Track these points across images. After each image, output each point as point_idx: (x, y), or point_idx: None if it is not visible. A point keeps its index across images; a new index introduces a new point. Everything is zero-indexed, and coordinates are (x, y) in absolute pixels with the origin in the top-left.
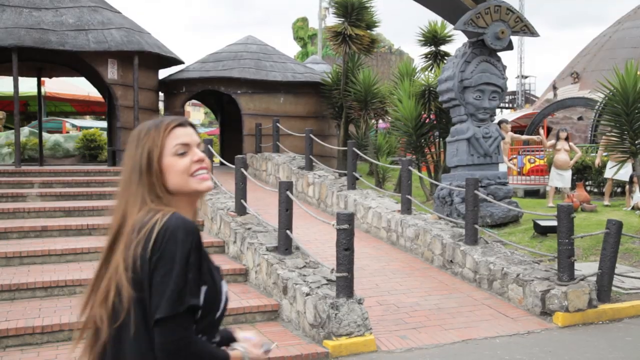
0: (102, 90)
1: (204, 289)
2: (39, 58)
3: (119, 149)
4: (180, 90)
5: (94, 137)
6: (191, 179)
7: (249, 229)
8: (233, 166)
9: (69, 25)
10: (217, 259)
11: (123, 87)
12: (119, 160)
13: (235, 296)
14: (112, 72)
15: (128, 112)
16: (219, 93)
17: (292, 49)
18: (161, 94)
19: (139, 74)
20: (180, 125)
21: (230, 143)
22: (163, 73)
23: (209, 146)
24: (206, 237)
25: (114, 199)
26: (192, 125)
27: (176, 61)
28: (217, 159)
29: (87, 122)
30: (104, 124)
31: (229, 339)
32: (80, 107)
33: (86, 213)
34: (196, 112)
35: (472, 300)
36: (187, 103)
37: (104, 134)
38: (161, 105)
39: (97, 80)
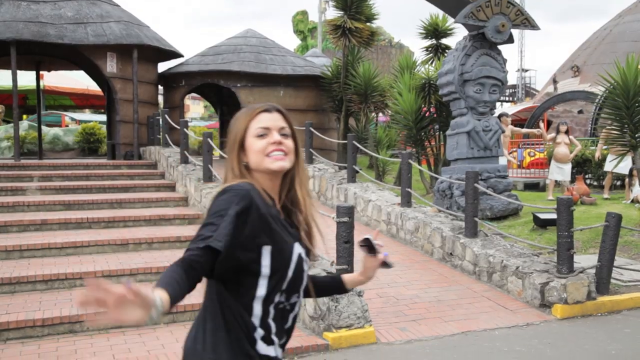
0: (101, 84)
1: (267, 248)
2: (37, 51)
3: (118, 143)
4: (179, 84)
5: (93, 130)
6: (266, 158)
7: None
8: None
9: (68, 18)
10: None
11: (122, 80)
12: (119, 154)
13: None
14: (111, 66)
15: (127, 105)
16: (219, 86)
17: (292, 42)
18: (160, 88)
19: (138, 67)
20: (266, 111)
21: None
22: (162, 66)
23: (209, 139)
24: None
25: (113, 193)
26: (281, 111)
27: (175, 54)
28: (217, 152)
29: (86, 115)
30: (103, 117)
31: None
32: (80, 100)
33: (86, 206)
34: (196, 106)
35: (471, 292)
36: (187, 96)
37: (103, 128)
38: (161, 98)
39: (96, 74)
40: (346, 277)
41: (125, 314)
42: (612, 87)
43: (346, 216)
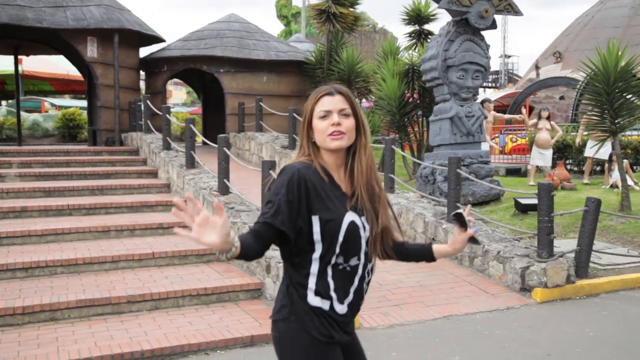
0: (82, 69)
1: (316, 217)
2: (15, 35)
3: (99, 129)
4: (161, 69)
5: (73, 116)
6: (327, 138)
7: (232, 208)
8: (216, 145)
9: (47, 1)
10: None
11: (103, 65)
12: (100, 140)
13: (218, 275)
14: (91, 51)
15: (108, 91)
16: (202, 72)
17: (275, 27)
18: (142, 73)
19: (119, 52)
20: (329, 94)
21: (213, 122)
22: (144, 51)
23: (191, 125)
24: None
25: (94, 179)
26: (342, 93)
27: (157, 39)
28: (200, 138)
29: (67, 101)
30: (83, 103)
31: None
32: (59, 85)
33: (67, 193)
34: (178, 92)
35: (453, 277)
36: (169, 82)
37: (84, 113)
38: (142, 84)
39: (76, 59)
40: (435, 247)
41: (204, 236)
42: (593, 73)
43: None
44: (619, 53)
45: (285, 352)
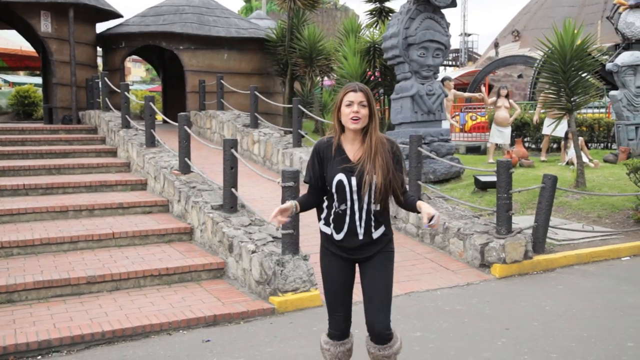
0: (36, 45)
1: (325, 175)
2: None
3: (55, 106)
4: (119, 45)
5: (28, 93)
6: (349, 120)
7: (194, 187)
8: (176, 124)
9: None
10: (160, 218)
11: (58, 41)
12: (56, 118)
13: (180, 255)
14: (45, 25)
15: (64, 67)
16: (161, 49)
17: (235, 3)
18: (99, 50)
19: (75, 27)
20: (353, 90)
21: (174, 100)
22: (101, 27)
23: (151, 103)
24: (149, 197)
25: (51, 158)
26: (364, 91)
27: (114, 14)
28: (160, 116)
29: (21, 77)
30: (38, 79)
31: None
32: (12, 61)
33: (22, 173)
34: (137, 69)
35: (414, 254)
36: (128, 59)
37: (39, 91)
38: (100, 61)
39: (29, 34)
40: (418, 203)
41: (282, 217)
42: (549, 51)
43: (291, 181)
44: (575, 32)
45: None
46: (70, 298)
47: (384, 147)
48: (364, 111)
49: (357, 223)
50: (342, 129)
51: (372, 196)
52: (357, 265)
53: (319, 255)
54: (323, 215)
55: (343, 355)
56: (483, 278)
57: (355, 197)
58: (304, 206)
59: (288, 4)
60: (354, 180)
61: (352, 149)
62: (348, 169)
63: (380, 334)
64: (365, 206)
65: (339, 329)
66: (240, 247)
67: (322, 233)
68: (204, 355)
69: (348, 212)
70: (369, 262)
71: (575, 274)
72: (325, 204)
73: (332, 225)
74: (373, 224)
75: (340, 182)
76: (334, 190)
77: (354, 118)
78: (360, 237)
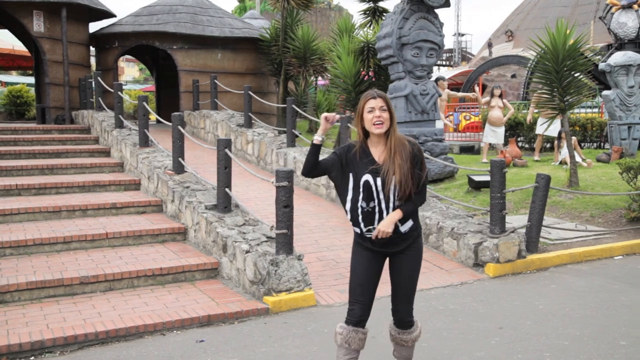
0: (28, 44)
1: (351, 174)
2: None
3: (48, 106)
4: (112, 45)
5: (20, 93)
6: (372, 126)
7: (188, 187)
8: (170, 124)
9: None
10: (154, 218)
11: (51, 40)
12: (49, 118)
13: (173, 255)
14: (38, 25)
15: (57, 67)
16: (154, 48)
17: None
18: (92, 49)
19: (68, 27)
20: (373, 98)
21: (167, 100)
22: (94, 27)
23: (144, 103)
24: (142, 197)
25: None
26: (383, 97)
27: (108, 14)
28: (153, 116)
29: (13, 77)
30: (31, 79)
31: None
32: (5, 61)
33: (14, 173)
34: (130, 69)
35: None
36: (121, 58)
37: (32, 90)
38: (93, 60)
39: (22, 33)
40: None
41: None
42: (542, 51)
43: (285, 180)
44: (567, 32)
45: None
46: (64, 298)
47: (405, 148)
48: (385, 115)
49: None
50: (366, 134)
51: (396, 194)
52: (387, 259)
53: (352, 250)
54: (349, 218)
55: (353, 339)
56: (477, 277)
57: (381, 196)
58: (318, 156)
59: (282, 4)
60: (379, 180)
61: (377, 152)
62: (374, 170)
63: (402, 320)
64: (391, 203)
65: (356, 317)
66: (234, 247)
67: (357, 232)
68: (198, 355)
69: (377, 209)
70: (399, 256)
71: (569, 273)
72: (354, 205)
73: (362, 224)
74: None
75: (367, 182)
76: (361, 190)
77: (377, 122)
78: (390, 232)
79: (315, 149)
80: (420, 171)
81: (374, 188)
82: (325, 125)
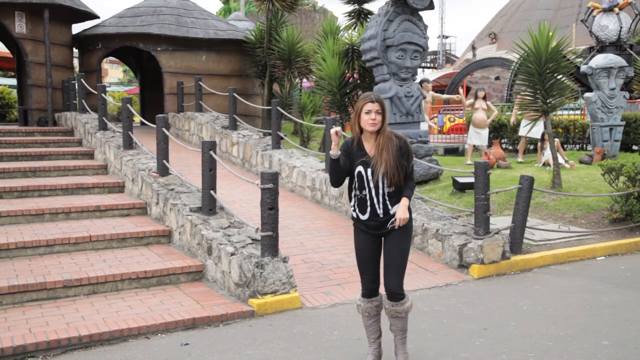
0: (10, 45)
1: (353, 166)
2: None
3: (30, 108)
4: (96, 47)
5: (2, 95)
6: (367, 125)
7: (172, 189)
8: (154, 126)
9: None
10: (138, 221)
11: (33, 42)
12: (31, 120)
13: (158, 258)
14: (20, 26)
15: (39, 68)
16: (138, 50)
17: (213, 5)
18: (75, 51)
19: (50, 28)
20: (371, 101)
21: (151, 102)
22: (77, 28)
23: (128, 105)
24: (127, 199)
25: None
26: (380, 101)
27: (91, 15)
28: (137, 118)
29: None
30: (13, 81)
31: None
32: None
33: None
34: (114, 70)
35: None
36: (105, 60)
37: (14, 92)
38: (76, 62)
39: (3, 35)
40: (401, 202)
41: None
42: (525, 54)
43: (270, 183)
44: (550, 34)
45: None
46: (46, 302)
47: (392, 143)
48: (379, 117)
49: (376, 205)
50: (361, 130)
51: (385, 182)
52: (382, 239)
53: (353, 233)
54: (352, 203)
55: (371, 309)
56: (461, 279)
57: (371, 184)
58: (340, 164)
59: (266, 6)
60: (369, 170)
61: (369, 146)
62: (365, 162)
63: (393, 292)
64: (380, 190)
65: (367, 289)
66: (219, 249)
67: (353, 217)
68: (183, 358)
69: (368, 196)
70: (389, 235)
71: (552, 273)
72: (353, 193)
73: (357, 209)
74: (389, 203)
75: (359, 172)
76: (355, 179)
77: (371, 123)
78: (381, 215)
79: (335, 162)
80: (406, 162)
81: (364, 178)
82: (336, 140)
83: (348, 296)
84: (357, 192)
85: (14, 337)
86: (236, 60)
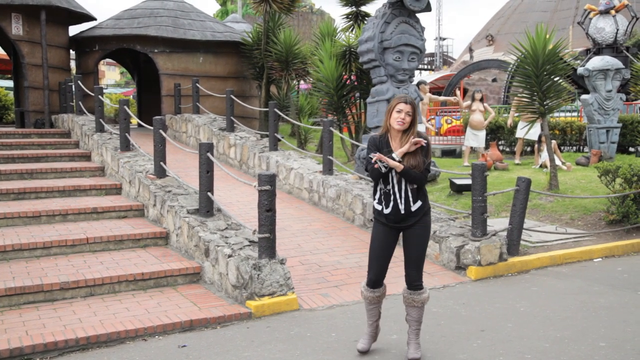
0: (7, 47)
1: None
2: None
3: (27, 110)
4: (93, 48)
5: None
6: (396, 123)
7: (169, 191)
8: (151, 128)
9: None
10: (135, 223)
11: (30, 44)
12: (28, 122)
13: (155, 260)
14: (16, 28)
15: (36, 70)
16: (135, 52)
17: (211, 7)
18: (73, 53)
19: (47, 30)
20: (405, 102)
21: (149, 104)
22: (74, 30)
23: (126, 107)
24: (124, 201)
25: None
26: (412, 104)
27: (88, 17)
28: (135, 120)
29: None
30: (10, 83)
31: None
32: None
33: None
34: (111, 72)
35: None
36: (102, 62)
37: (11, 94)
38: (73, 64)
39: (0, 36)
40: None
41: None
42: (522, 56)
43: (268, 184)
44: (547, 37)
45: None
46: (43, 305)
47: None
48: (408, 119)
49: (399, 200)
50: (390, 126)
51: (409, 178)
52: (401, 233)
53: (373, 225)
54: (376, 196)
55: (373, 299)
56: (459, 280)
57: (395, 180)
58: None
59: (264, 8)
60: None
61: (395, 144)
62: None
63: (412, 283)
64: (403, 186)
65: (371, 280)
66: (216, 251)
67: (375, 209)
68: None
69: (391, 191)
70: (410, 229)
71: (549, 275)
72: (378, 187)
73: (383, 203)
74: (411, 199)
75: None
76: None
77: (399, 122)
78: (402, 210)
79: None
80: (425, 158)
81: (389, 174)
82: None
83: (346, 298)
84: (382, 186)
85: (11, 339)
86: (233, 62)
